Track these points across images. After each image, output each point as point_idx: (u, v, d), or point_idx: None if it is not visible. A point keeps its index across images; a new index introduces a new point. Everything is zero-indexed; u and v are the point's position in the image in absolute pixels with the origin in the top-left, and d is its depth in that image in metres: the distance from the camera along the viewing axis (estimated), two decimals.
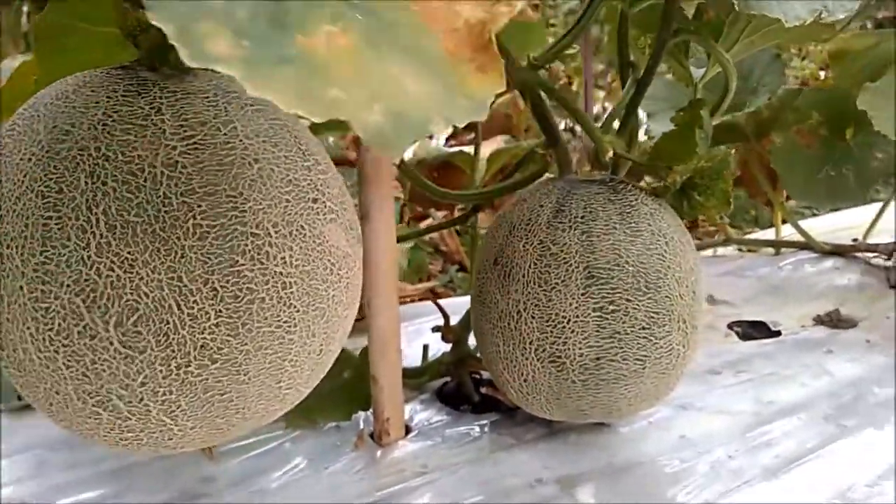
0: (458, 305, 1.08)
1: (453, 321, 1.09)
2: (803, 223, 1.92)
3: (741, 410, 1.03)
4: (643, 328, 0.82)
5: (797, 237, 1.72)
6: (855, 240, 1.73)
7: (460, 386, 1.11)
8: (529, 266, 0.84)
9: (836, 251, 1.70)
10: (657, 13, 0.88)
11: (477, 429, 1.00)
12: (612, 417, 0.95)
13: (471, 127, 1.11)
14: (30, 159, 0.57)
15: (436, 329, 1.16)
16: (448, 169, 1.51)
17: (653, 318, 0.82)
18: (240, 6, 0.34)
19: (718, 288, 1.55)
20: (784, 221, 1.80)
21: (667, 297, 0.82)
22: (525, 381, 0.87)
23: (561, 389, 0.86)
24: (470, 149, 1.14)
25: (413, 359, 1.23)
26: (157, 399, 0.58)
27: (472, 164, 1.14)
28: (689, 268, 0.85)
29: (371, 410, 0.98)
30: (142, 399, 0.57)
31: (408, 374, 1.16)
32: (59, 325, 0.55)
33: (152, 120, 0.57)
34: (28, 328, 0.56)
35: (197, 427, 0.61)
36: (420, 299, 1.59)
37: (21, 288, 0.55)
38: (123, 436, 0.61)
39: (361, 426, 1.01)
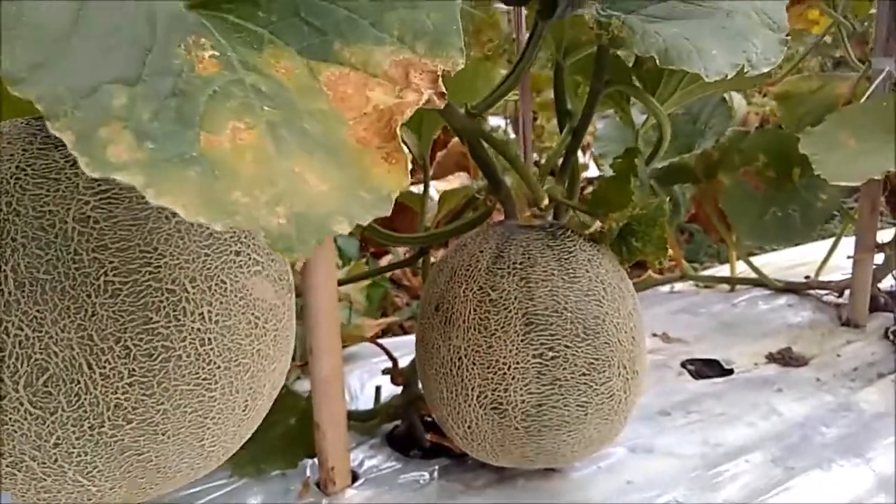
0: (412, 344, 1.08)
1: (410, 359, 1.08)
2: (761, 259, 1.95)
3: (690, 454, 1.03)
4: (583, 374, 0.82)
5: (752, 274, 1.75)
6: (807, 277, 1.75)
7: (410, 429, 1.10)
8: (469, 312, 0.84)
9: (790, 288, 1.73)
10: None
11: (426, 475, 0.98)
12: (558, 463, 0.94)
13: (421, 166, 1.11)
14: None
15: (385, 371, 1.15)
16: (402, 207, 1.51)
17: (592, 364, 0.82)
18: (143, 104, 0.34)
19: (673, 325, 1.56)
20: (739, 258, 1.83)
21: (605, 342, 0.82)
22: (469, 428, 0.86)
23: (504, 436, 0.85)
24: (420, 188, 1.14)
25: (367, 400, 1.22)
26: (71, 460, 0.56)
27: (422, 204, 1.14)
28: (627, 313, 0.85)
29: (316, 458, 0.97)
30: (56, 460, 0.56)
31: (358, 417, 1.14)
32: None
33: (66, 174, 0.56)
34: None
35: (116, 487, 0.59)
36: (380, 335, 1.58)
37: None
38: (40, 496, 0.59)
39: (308, 474, 0.99)
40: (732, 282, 1.80)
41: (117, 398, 0.55)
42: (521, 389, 0.82)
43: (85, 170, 0.32)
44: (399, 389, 1.12)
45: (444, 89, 0.43)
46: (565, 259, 0.84)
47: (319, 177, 0.37)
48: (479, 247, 0.88)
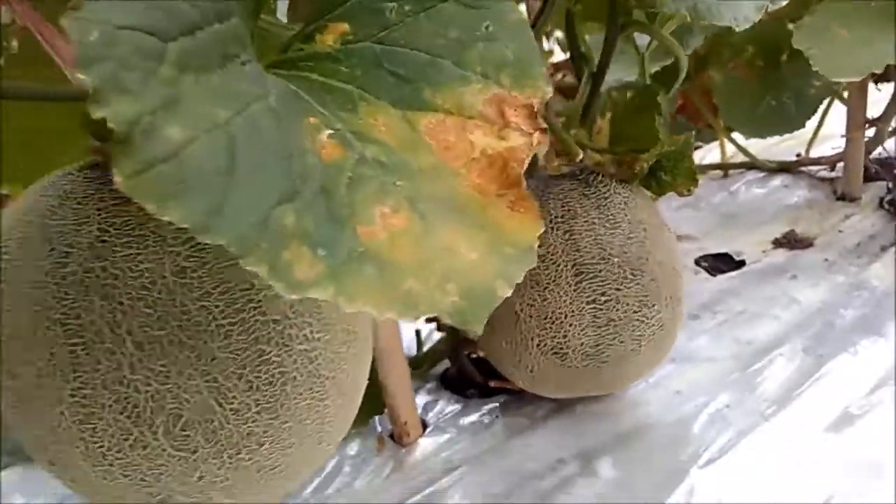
0: None
1: None
2: (746, 140, 2.00)
3: (726, 356, 1.11)
4: (635, 311, 0.88)
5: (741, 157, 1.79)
6: (799, 155, 1.80)
7: (461, 370, 1.16)
8: None
9: (782, 168, 1.78)
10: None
11: (489, 415, 1.05)
12: (615, 390, 1.01)
13: None
14: (37, 287, 0.57)
15: (429, 319, 1.20)
16: None
17: (643, 301, 0.87)
18: (306, 215, 0.36)
19: (679, 222, 1.62)
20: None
21: (652, 280, 0.88)
22: (531, 372, 0.93)
23: (566, 376, 0.91)
24: None
25: (407, 344, 1.27)
26: (215, 487, 0.61)
27: None
28: (666, 248, 0.90)
29: (386, 413, 1.03)
30: (202, 490, 0.61)
31: (409, 365, 1.20)
32: (109, 441, 0.57)
33: (149, 228, 0.58)
34: (77, 448, 0.58)
35: (254, 498, 0.65)
36: None
37: (62, 413, 0.57)
38: None
39: (378, 429, 1.06)
40: (725, 167, 1.85)
41: (248, 427, 0.59)
42: (578, 334, 0.87)
43: (282, 293, 0.34)
44: (439, 334, 1.18)
45: (544, 124, 0.45)
46: (603, 206, 0.88)
47: (467, 245, 0.40)
48: None
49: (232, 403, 0.58)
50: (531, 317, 0.88)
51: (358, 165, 0.41)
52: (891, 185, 1.60)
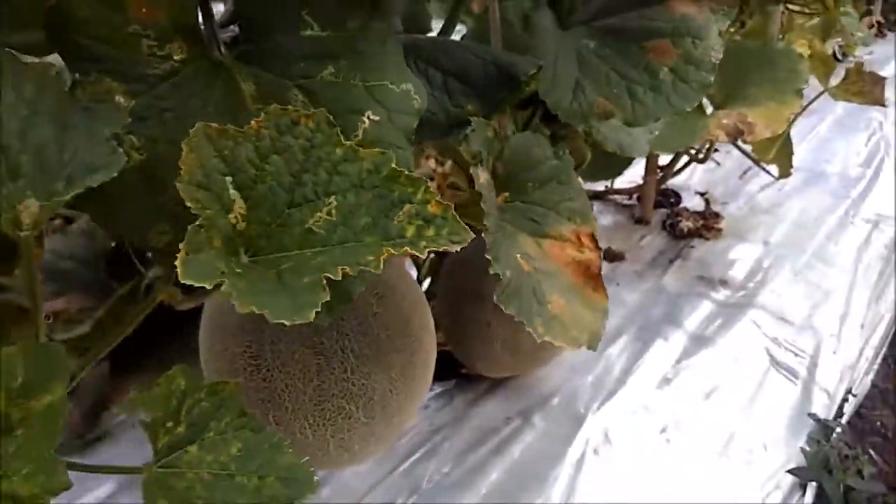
0: None
1: None
2: None
3: None
4: None
5: None
6: (606, 187, 2.45)
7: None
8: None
9: (595, 196, 2.41)
10: None
11: (447, 393, 1.50)
12: (533, 370, 1.52)
13: None
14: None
15: None
16: None
17: None
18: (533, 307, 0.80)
19: None
20: None
21: None
22: (491, 361, 1.40)
23: (513, 364, 1.40)
24: None
25: None
26: (377, 441, 1.01)
27: None
28: None
29: None
30: (368, 445, 1.00)
31: None
32: (329, 415, 0.95)
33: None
34: (308, 420, 0.94)
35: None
36: None
37: (304, 399, 0.93)
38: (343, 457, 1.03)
39: None
40: None
41: (400, 401, 1.00)
42: (526, 337, 1.36)
43: (537, 333, 0.79)
44: None
45: (598, 242, 0.92)
46: None
47: (582, 310, 0.86)
48: None
49: (397, 388, 0.98)
50: (498, 326, 1.35)
51: (535, 273, 0.85)
52: (669, 212, 2.29)
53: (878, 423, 1.75)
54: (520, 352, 1.37)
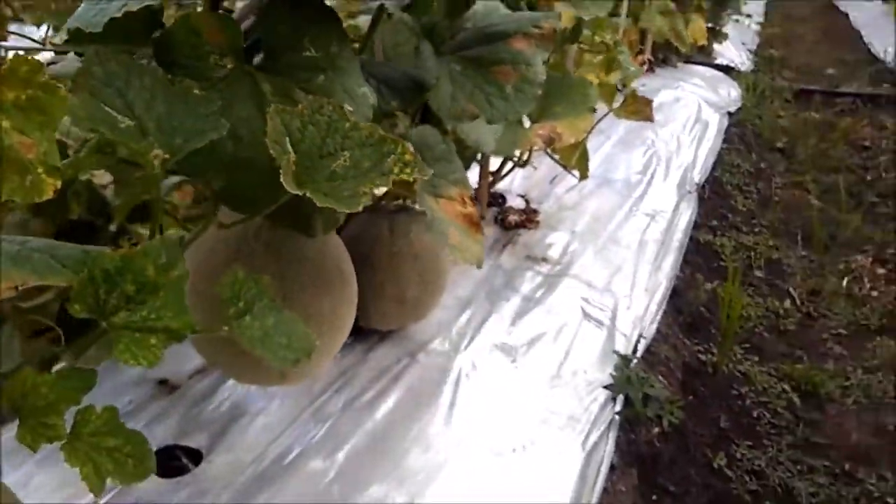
0: None
1: None
2: None
3: (453, 306, 2.10)
4: (428, 280, 1.80)
5: None
6: None
7: None
8: (383, 255, 1.74)
9: None
10: None
11: (347, 345, 1.86)
12: (414, 322, 1.92)
13: None
14: None
15: None
16: None
17: (429, 274, 1.81)
18: None
19: None
20: None
21: (433, 266, 1.82)
22: (383, 315, 1.78)
23: (400, 315, 1.79)
24: None
25: None
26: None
27: None
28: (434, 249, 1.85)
29: None
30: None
31: None
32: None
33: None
34: None
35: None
36: None
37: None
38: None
39: None
40: None
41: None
42: (410, 291, 1.76)
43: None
44: None
45: (473, 202, 1.36)
46: (410, 224, 1.78)
47: (470, 242, 1.28)
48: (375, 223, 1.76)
49: (330, 318, 1.34)
50: (388, 286, 1.74)
51: (439, 217, 1.26)
52: (499, 209, 2.80)
53: (663, 356, 2.35)
54: (405, 304, 1.77)
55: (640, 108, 2.64)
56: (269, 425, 1.56)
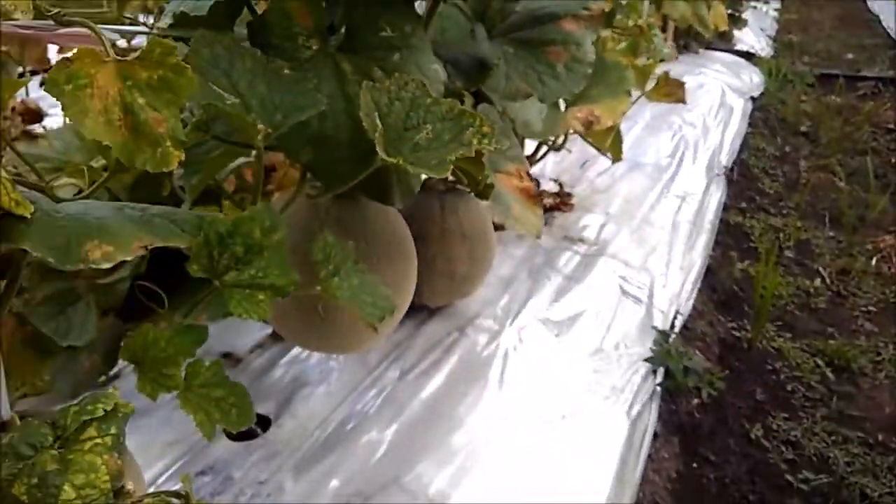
0: None
1: None
2: None
3: (497, 283, 2.16)
4: (478, 257, 1.87)
5: None
6: None
7: None
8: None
9: None
10: None
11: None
12: (463, 298, 1.99)
13: None
14: None
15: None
16: None
17: (479, 251, 1.87)
18: None
19: None
20: None
21: (484, 242, 1.88)
22: (433, 291, 1.85)
23: (450, 290, 1.86)
24: None
25: None
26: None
27: None
28: (488, 228, 1.91)
29: None
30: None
31: None
32: None
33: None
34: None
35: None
36: None
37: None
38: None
39: None
40: None
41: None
42: (461, 267, 1.83)
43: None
44: None
45: (531, 178, 1.42)
46: (465, 205, 1.84)
47: (529, 214, 1.35)
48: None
49: (399, 283, 1.41)
50: (439, 262, 1.81)
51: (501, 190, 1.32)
52: None
53: (700, 331, 2.41)
54: (455, 280, 1.84)
55: (672, 91, 2.69)
56: (331, 394, 1.63)
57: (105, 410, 0.77)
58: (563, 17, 1.61)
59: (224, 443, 1.48)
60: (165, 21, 0.98)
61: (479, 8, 1.63)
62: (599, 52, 2.71)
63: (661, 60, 2.70)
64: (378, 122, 0.97)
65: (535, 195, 1.39)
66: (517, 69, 1.54)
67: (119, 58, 0.80)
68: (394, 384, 1.68)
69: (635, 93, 2.80)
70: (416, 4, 1.62)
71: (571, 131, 2.51)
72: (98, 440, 0.75)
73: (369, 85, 0.96)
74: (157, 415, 1.48)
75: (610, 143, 2.72)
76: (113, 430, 0.77)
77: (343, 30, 1.10)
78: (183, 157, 0.82)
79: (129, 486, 0.79)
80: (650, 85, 2.80)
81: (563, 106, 2.41)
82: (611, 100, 2.36)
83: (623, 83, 2.40)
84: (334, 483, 1.41)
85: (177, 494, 0.84)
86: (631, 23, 2.62)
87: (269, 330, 1.79)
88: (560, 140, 2.68)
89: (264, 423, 1.54)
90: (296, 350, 1.75)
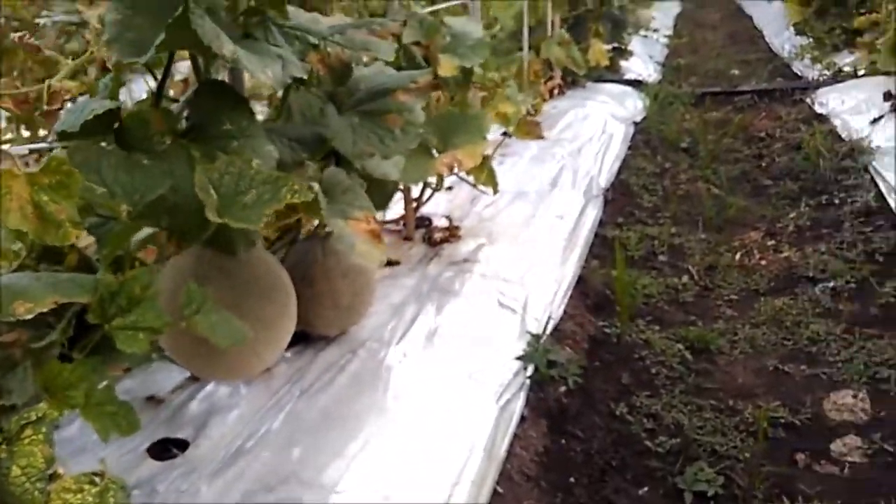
0: None
1: None
2: None
3: (385, 310, 2.53)
4: (356, 291, 2.23)
5: None
6: (382, 219, 3.36)
7: None
8: (319, 274, 2.17)
9: None
10: None
11: (299, 351, 2.27)
12: (351, 326, 2.34)
13: None
14: None
15: None
16: None
17: (359, 285, 2.24)
18: None
19: None
20: None
21: (356, 279, 2.26)
22: (323, 321, 2.20)
23: (337, 319, 2.22)
24: None
25: None
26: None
27: None
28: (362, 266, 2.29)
29: None
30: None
31: None
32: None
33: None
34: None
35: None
36: None
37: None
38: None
39: None
40: None
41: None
42: (343, 299, 2.19)
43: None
44: None
45: (377, 226, 1.80)
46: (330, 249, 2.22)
47: (374, 251, 1.72)
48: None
49: (270, 326, 1.77)
50: (325, 297, 2.17)
51: (348, 233, 1.70)
52: (426, 230, 3.25)
53: (570, 331, 2.80)
54: (341, 310, 2.20)
55: (531, 129, 3.14)
56: (241, 416, 1.96)
57: (37, 416, 1.11)
58: (396, 91, 2.01)
59: (149, 463, 1.80)
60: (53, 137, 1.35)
61: (330, 90, 2.02)
62: (467, 107, 3.16)
63: (545, 100, 3.13)
64: (212, 192, 1.34)
65: (379, 235, 1.77)
66: (362, 135, 1.93)
67: (28, 170, 1.16)
68: (294, 401, 2.02)
69: (502, 133, 3.24)
70: None
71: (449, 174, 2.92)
72: (34, 437, 1.09)
73: (202, 167, 1.33)
74: (95, 451, 1.79)
75: (485, 178, 3.15)
76: (44, 430, 1.10)
77: (193, 126, 1.48)
78: (80, 234, 1.18)
79: (60, 470, 1.13)
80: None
81: (434, 153, 2.83)
82: (471, 145, 2.78)
83: (481, 131, 2.83)
84: (243, 484, 1.74)
85: (94, 474, 1.18)
86: (488, 78, 3.05)
87: (187, 374, 2.11)
88: (436, 183, 3.09)
89: (183, 445, 1.86)
90: (210, 387, 2.07)
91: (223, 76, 1.73)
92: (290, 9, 1.89)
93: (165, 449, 1.86)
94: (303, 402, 2.01)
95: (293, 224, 2.25)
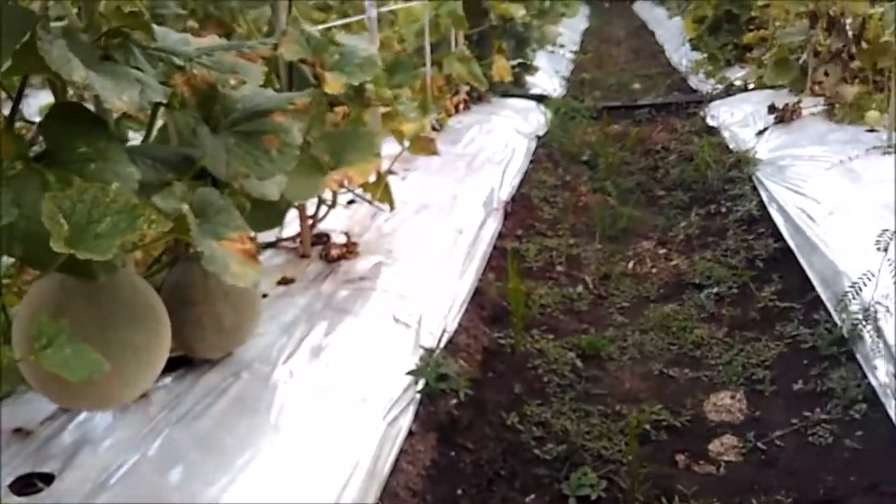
0: None
1: None
2: None
3: (274, 331, 2.51)
4: (240, 312, 2.21)
5: None
6: (277, 237, 3.33)
7: None
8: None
9: (268, 245, 3.28)
10: None
11: (181, 375, 2.22)
12: (233, 349, 2.31)
13: None
14: None
15: None
16: None
17: (243, 308, 2.22)
18: None
19: None
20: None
21: (247, 301, 2.23)
22: (206, 343, 2.17)
23: (222, 342, 2.18)
24: None
25: None
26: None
27: None
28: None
29: None
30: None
31: None
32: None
33: None
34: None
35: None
36: None
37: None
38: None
39: None
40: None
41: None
42: (225, 319, 2.16)
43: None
44: None
45: (253, 245, 1.79)
46: None
47: (249, 271, 1.71)
48: None
49: (142, 352, 1.73)
50: (205, 319, 2.13)
51: (221, 254, 1.68)
52: (323, 247, 3.24)
53: (464, 344, 2.84)
54: (224, 332, 2.17)
55: (425, 146, 3.18)
56: (115, 445, 1.90)
57: None
58: (273, 112, 2.01)
59: (12, 500, 1.72)
60: None
61: (205, 109, 2.00)
62: (362, 124, 3.17)
63: (450, 115, 3.17)
64: (62, 221, 1.31)
65: (254, 255, 1.76)
66: (237, 155, 1.92)
67: None
68: (171, 427, 1.97)
69: (397, 149, 3.27)
70: None
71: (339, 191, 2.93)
72: None
73: (51, 195, 1.30)
74: None
75: (380, 193, 3.16)
76: None
77: (47, 150, 1.44)
78: None
79: None
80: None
81: (327, 171, 2.82)
82: (363, 163, 2.80)
83: (372, 148, 2.84)
84: None
85: None
86: (379, 95, 3.07)
87: None
88: (332, 199, 3.09)
89: (49, 479, 1.79)
90: (83, 416, 2.00)
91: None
92: (160, 29, 1.87)
93: (30, 483, 1.79)
94: (179, 428, 1.96)
95: (175, 244, 2.21)
